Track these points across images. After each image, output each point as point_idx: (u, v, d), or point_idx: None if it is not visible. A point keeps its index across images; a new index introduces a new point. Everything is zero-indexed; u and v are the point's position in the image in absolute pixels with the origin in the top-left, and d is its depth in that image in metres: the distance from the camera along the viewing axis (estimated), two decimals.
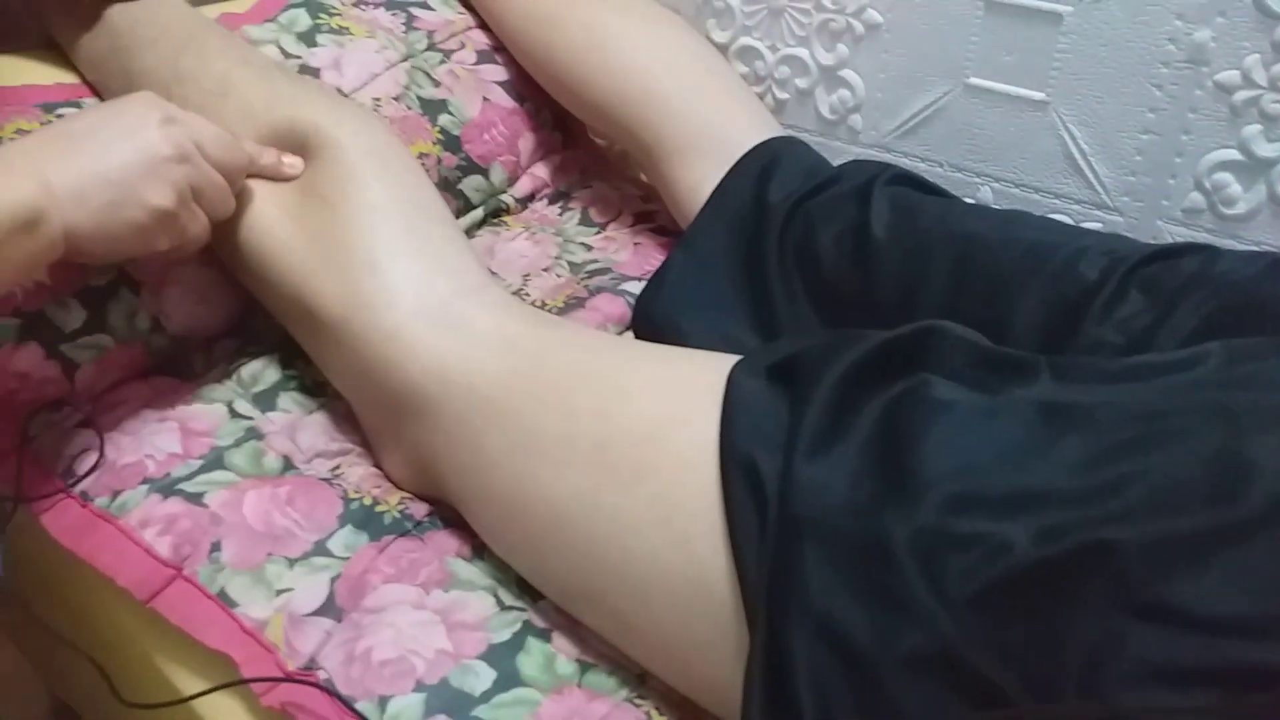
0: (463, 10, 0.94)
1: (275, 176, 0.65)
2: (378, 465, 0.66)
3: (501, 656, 0.54)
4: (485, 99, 0.90)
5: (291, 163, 0.65)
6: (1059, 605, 0.41)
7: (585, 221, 0.94)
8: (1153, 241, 0.73)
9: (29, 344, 0.63)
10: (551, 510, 0.54)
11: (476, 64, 0.91)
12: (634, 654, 0.54)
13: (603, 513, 0.52)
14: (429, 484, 0.62)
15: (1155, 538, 0.40)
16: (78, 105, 0.72)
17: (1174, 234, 0.77)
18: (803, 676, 0.44)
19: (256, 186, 0.64)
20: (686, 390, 0.54)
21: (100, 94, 0.74)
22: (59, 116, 0.70)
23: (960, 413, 0.47)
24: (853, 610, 0.43)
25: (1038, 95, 0.78)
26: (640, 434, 0.53)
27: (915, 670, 0.42)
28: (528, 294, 0.82)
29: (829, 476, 0.46)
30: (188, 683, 0.57)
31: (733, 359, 0.55)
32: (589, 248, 0.90)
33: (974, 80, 0.81)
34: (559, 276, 0.85)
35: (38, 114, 0.70)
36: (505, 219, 0.92)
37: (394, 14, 0.89)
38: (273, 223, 0.63)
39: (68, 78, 0.75)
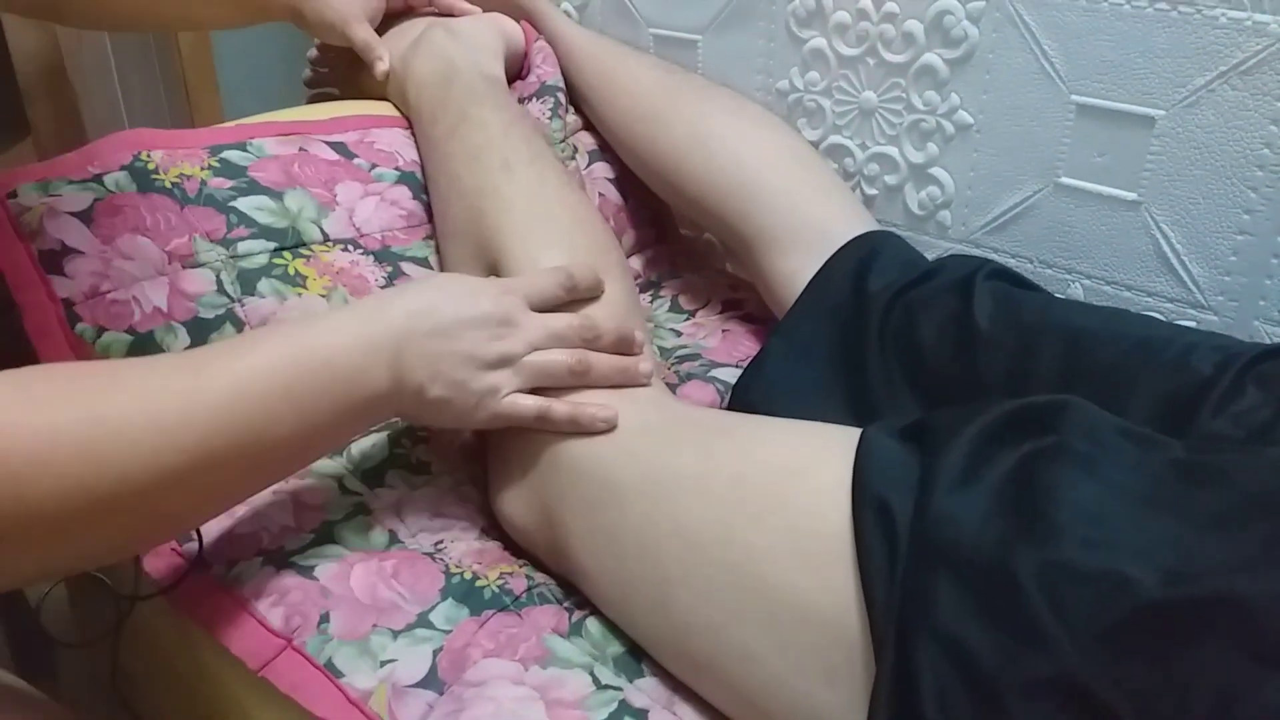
0: (571, 112, 0.98)
1: None
2: (490, 500, 0.68)
3: None
4: (601, 195, 0.95)
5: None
6: (1185, 648, 0.41)
7: (675, 309, 0.96)
8: (1247, 340, 0.73)
9: None
10: (683, 542, 0.56)
11: (589, 165, 0.96)
12: (749, 685, 0.54)
13: (737, 541, 0.54)
14: (542, 521, 0.64)
15: None
16: (244, 148, 0.79)
17: (1270, 334, 0.76)
18: (928, 698, 0.45)
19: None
20: (819, 443, 0.57)
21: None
22: (221, 160, 0.77)
23: (1095, 465, 0.48)
24: (980, 634, 0.44)
25: (1130, 195, 0.79)
26: (778, 467, 0.56)
27: (1036, 695, 0.43)
28: None
29: (963, 511, 0.48)
30: None
31: (857, 430, 0.56)
32: (678, 334, 0.92)
33: (1065, 180, 0.82)
34: None
35: (203, 156, 0.76)
36: None
37: None
38: None
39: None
